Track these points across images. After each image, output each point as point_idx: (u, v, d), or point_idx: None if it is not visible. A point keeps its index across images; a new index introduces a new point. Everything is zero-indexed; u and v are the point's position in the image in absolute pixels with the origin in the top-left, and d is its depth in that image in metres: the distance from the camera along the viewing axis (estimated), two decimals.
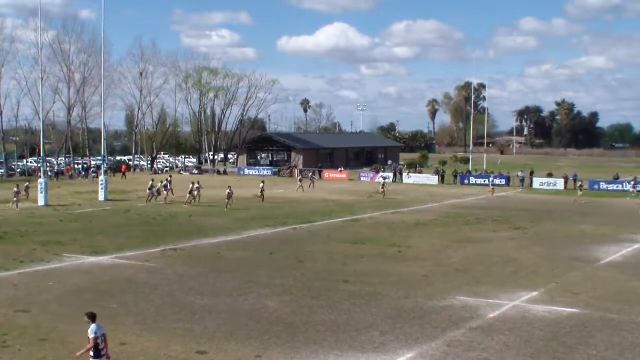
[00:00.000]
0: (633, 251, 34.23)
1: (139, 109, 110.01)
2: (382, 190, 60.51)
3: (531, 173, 79.56)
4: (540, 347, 18.44)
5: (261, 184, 56.29)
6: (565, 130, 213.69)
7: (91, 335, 14.08)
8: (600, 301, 23.50)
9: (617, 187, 71.12)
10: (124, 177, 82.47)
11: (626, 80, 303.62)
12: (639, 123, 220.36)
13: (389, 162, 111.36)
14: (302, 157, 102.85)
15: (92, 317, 14.32)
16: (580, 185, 62.77)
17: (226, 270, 28.00)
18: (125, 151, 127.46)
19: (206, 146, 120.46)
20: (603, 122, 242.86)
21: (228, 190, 50.91)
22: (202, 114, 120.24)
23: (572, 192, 64.23)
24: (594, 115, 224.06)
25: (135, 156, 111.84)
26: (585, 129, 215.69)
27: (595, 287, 25.62)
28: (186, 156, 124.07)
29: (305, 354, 17.55)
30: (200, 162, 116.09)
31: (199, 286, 24.90)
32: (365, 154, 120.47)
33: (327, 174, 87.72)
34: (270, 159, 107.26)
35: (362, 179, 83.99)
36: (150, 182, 55.97)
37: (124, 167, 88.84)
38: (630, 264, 30.72)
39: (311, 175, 77.90)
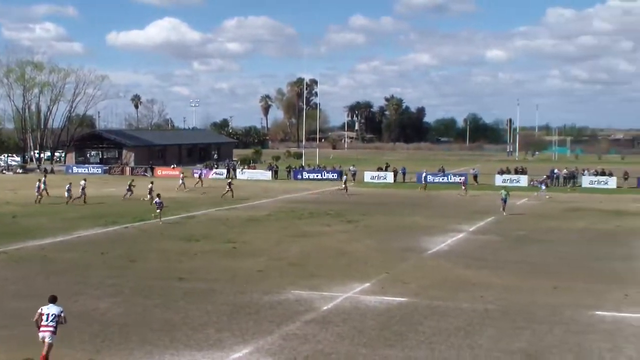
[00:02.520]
0: (458, 240, 35.93)
1: None
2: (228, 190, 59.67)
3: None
4: (372, 336, 18.98)
5: (82, 182, 53.45)
6: (395, 125, 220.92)
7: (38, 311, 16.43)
8: (428, 289, 24.51)
9: (443, 179, 74.42)
10: None
11: (450, 76, 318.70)
12: (462, 118, 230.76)
13: (214, 156, 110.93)
14: (133, 154, 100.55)
15: (52, 299, 16.69)
16: (425, 185, 65.86)
17: (55, 272, 26.89)
18: None
19: (31, 144, 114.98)
20: (430, 117, 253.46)
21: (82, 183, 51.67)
22: (27, 110, 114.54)
23: (414, 185, 66.54)
24: (421, 111, 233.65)
25: None
26: (413, 123, 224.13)
27: (423, 276, 26.68)
28: (9, 155, 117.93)
29: (140, 355, 17.19)
30: (25, 161, 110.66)
31: (25, 289, 23.79)
32: (199, 150, 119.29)
33: (160, 171, 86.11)
34: (101, 156, 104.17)
35: (195, 175, 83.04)
36: None
37: None
38: (455, 253, 32.22)
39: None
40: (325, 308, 21.93)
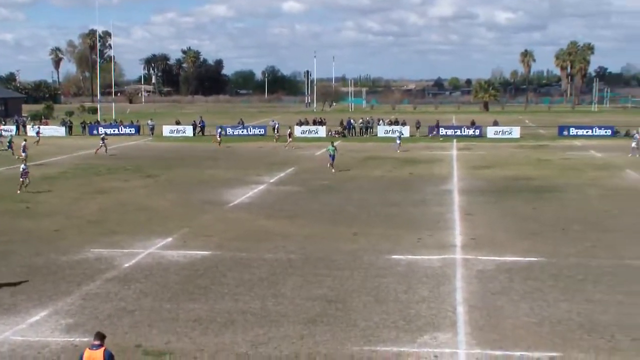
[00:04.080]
0: (259, 192, 36.20)
1: None
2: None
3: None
4: (176, 290, 18.79)
5: None
6: (192, 78, 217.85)
7: None
8: (230, 242, 24.56)
9: (242, 132, 74.53)
10: None
11: (247, 29, 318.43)
12: (260, 70, 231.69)
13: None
14: None
15: None
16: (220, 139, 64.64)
17: None
18: None
19: None
20: (228, 70, 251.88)
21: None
22: None
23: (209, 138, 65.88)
24: (219, 63, 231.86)
25: None
26: (212, 76, 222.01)
27: (226, 229, 26.68)
28: None
29: None
30: None
31: None
32: None
33: None
34: None
35: None
36: None
37: None
38: (256, 204, 32.46)
39: None
40: (126, 265, 21.42)
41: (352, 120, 77.39)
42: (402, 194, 35.23)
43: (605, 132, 72.46)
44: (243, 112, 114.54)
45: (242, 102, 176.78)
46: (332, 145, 45.10)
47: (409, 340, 15.29)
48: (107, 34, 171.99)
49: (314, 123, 78.54)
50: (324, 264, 21.58)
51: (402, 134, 64.01)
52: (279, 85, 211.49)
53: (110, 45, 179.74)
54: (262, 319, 16.72)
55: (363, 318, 16.70)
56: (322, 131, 73.51)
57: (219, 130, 66.40)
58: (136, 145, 64.91)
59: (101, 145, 54.55)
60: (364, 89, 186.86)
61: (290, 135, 62.78)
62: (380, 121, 79.36)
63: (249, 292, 18.75)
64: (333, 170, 43.22)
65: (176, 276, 20.22)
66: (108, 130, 73.63)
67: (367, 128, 75.80)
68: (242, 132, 74.86)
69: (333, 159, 43.85)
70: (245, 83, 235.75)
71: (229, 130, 73.64)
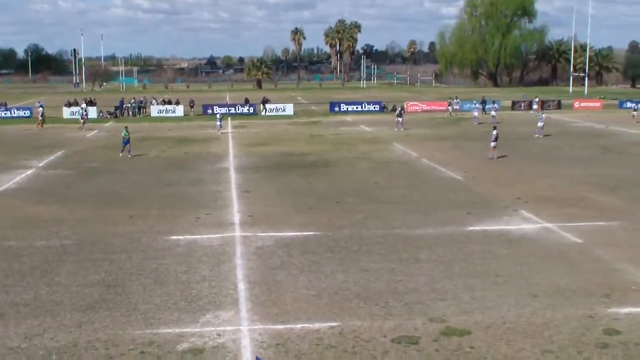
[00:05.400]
0: (27, 177, 34.37)
1: None
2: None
3: None
4: None
5: None
6: None
7: None
8: None
9: (6, 114, 70.19)
10: None
11: (6, 4, 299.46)
12: (22, 48, 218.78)
13: None
14: None
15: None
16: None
17: None
18: None
19: None
20: None
21: None
22: None
23: None
24: None
25: None
26: None
27: None
28: None
29: None
30: None
31: None
32: None
33: None
34: None
35: None
36: None
37: None
38: (24, 190, 30.82)
39: None
40: None
41: (124, 101, 75.26)
42: (178, 174, 34.92)
43: (374, 107, 75.97)
44: (5, 94, 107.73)
45: (3, 83, 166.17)
46: (126, 130, 41.76)
47: (191, 321, 15.22)
48: None
49: (86, 104, 75.49)
50: (99, 249, 20.93)
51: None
52: (44, 64, 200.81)
53: None
54: (36, 309, 15.92)
55: (143, 301, 16.40)
56: (93, 112, 70.75)
57: None
58: None
59: None
60: (135, 68, 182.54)
61: (42, 116, 60.65)
62: (154, 100, 77.89)
63: (20, 282, 17.78)
64: (129, 156, 40.53)
65: None
66: None
67: (140, 108, 74.20)
68: (5, 114, 70.46)
69: (127, 144, 40.95)
70: (5, 62, 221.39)
71: None
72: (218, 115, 58.58)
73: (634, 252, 20.04)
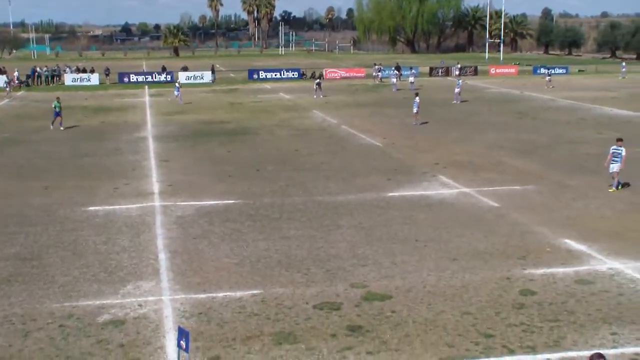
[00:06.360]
0: None
1: None
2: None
3: None
4: None
5: None
6: None
7: None
8: None
9: None
10: None
11: None
12: None
13: None
14: None
15: None
16: None
17: None
18: None
19: None
20: None
21: None
22: None
23: None
24: None
25: None
26: None
27: None
28: None
29: None
30: None
31: None
32: None
33: None
34: None
35: None
36: None
37: None
38: None
39: None
40: None
41: (37, 68, 72.98)
42: (95, 144, 34.20)
43: (293, 74, 75.73)
44: None
45: None
46: (57, 101, 39.60)
47: (111, 292, 14.99)
48: None
49: None
50: (14, 221, 20.36)
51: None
52: None
53: None
54: None
55: (62, 273, 16.06)
56: (1, 81, 68.07)
57: None
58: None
59: None
60: (46, 35, 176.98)
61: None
62: (67, 69, 75.80)
63: None
64: (61, 128, 38.89)
65: None
66: None
67: (54, 76, 72.17)
68: None
69: (58, 115, 39.08)
70: None
71: None
72: (177, 84, 56.27)
73: (549, 216, 20.62)
